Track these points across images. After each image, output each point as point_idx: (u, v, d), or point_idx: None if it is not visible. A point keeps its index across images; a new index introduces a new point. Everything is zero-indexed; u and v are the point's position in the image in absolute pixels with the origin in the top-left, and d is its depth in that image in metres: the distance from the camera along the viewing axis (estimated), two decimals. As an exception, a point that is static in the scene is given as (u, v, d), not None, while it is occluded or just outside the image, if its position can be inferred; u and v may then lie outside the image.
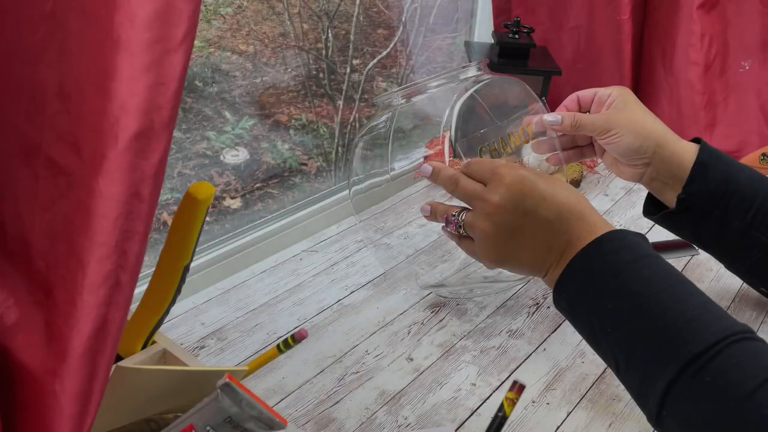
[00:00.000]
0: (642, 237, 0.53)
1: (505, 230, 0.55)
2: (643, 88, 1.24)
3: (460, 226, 0.59)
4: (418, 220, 0.95)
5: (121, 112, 0.32)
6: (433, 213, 0.63)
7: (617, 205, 1.03)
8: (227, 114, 0.93)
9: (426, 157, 1.04)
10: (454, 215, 0.60)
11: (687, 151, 0.67)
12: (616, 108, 0.69)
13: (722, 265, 0.71)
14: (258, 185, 0.99)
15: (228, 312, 0.77)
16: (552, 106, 1.37)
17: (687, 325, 0.46)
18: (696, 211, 0.67)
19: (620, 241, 0.52)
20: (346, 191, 1.00)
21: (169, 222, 0.64)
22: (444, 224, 0.61)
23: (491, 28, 1.25)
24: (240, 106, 0.95)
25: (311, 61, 1.04)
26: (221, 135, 0.93)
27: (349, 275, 0.84)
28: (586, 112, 0.73)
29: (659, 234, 0.94)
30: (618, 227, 0.54)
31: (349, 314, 0.77)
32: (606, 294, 0.50)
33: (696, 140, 0.69)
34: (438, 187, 0.62)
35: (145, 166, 0.33)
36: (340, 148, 1.12)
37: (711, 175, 0.66)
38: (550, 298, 0.80)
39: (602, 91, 0.71)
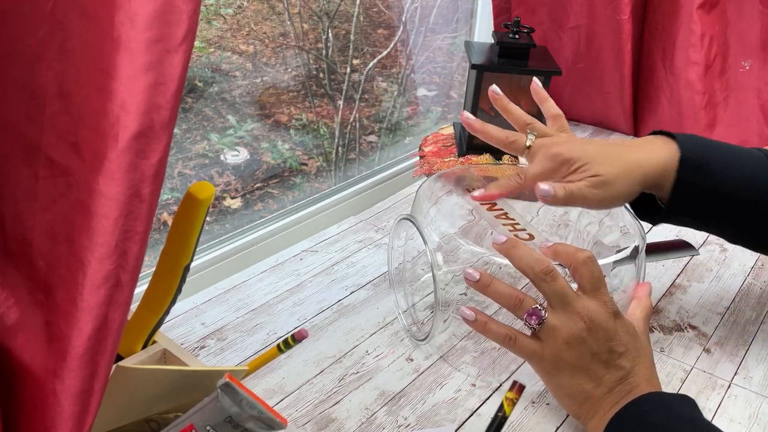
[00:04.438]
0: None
1: (587, 354, 0.56)
2: (643, 88, 1.24)
3: (541, 323, 0.56)
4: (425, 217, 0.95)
5: (121, 111, 0.32)
6: (485, 326, 0.60)
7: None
8: (230, 117, 0.93)
9: (422, 157, 1.04)
10: (541, 308, 0.57)
11: (664, 171, 0.64)
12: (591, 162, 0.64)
13: (722, 266, 0.71)
14: (258, 185, 0.99)
15: (228, 312, 0.77)
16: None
17: None
18: (686, 218, 0.67)
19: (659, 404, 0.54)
20: (346, 191, 1.00)
21: (170, 222, 0.64)
22: (524, 314, 0.57)
23: (491, 28, 1.26)
24: (240, 106, 0.95)
25: (311, 61, 1.05)
26: (223, 137, 0.93)
27: (349, 275, 0.84)
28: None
29: (659, 234, 0.94)
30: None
31: (349, 314, 0.77)
32: None
33: (657, 133, 0.67)
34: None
35: (145, 165, 0.33)
36: (340, 148, 1.13)
37: (693, 200, 0.65)
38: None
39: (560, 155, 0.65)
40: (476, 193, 0.69)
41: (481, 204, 0.71)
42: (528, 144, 0.68)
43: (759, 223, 0.66)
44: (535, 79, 0.74)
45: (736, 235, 0.70)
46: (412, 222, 0.69)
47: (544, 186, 0.63)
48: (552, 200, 0.63)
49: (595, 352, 0.56)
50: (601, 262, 0.59)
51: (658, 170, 0.64)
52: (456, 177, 0.79)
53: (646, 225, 0.94)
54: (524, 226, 0.68)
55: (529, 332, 0.58)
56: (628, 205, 0.70)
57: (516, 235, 0.66)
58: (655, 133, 0.68)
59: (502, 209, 0.71)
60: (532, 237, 0.66)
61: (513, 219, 0.69)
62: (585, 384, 0.56)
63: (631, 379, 0.56)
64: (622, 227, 0.72)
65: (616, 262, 0.64)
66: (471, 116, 0.70)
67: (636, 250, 0.65)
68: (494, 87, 0.72)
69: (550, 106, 0.73)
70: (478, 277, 0.60)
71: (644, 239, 0.66)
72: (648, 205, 0.69)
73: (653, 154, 0.64)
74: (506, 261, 0.59)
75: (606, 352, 0.56)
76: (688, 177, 0.63)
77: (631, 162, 0.64)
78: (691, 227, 0.69)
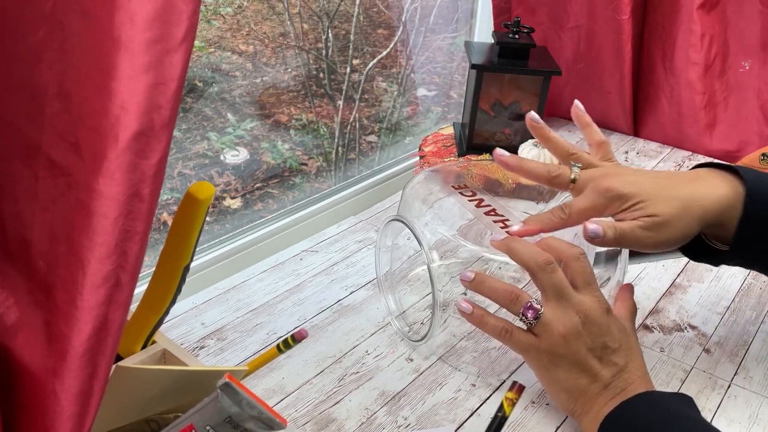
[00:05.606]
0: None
1: (583, 349, 0.56)
2: (643, 88, 1.24)
3: (537, 318, 0.57)
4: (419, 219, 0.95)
5: (121, 111, 0.32)
6: (482, 319, 0.60)
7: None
8: (229, 115, 0.93)
9: (422, 157, 1.04)
10: (537, 303, 0.57)
11: (726, 208, 0.59)
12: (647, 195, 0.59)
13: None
14: (258, 185, 0.99)
15: (228, 312, 0.77)
16: (550, 107, 1.38)
17: None
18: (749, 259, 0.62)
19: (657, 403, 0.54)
20: (346, 191, 1.01)
21: (169, 222, 0.64)
22: (520, 309, 0.57)
23: (491, 28, 1.26)
24: (240, 106, 0.95)
25: (311, 61, 1.05)
26: (223, 136, 0.93)
27: (349, 275, 0.84)
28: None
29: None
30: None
31: (349, 314, 0.77)
32: None
33: (708, 165, 0.62)
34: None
35: (145, 165, 0.33)
36: (340, 148, 1.13)
37: (761, 236, 0.59)
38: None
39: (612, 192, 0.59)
40: (514, 228, 0.62)
41: (469, 201, 0.71)
42: (573, 177, 0.62)
43: None
44: (576, 102, 0.68)
45: None
46: (403, 223, 0.69)
47: (592, 226, 0.57)
48: (600, 241, 0.58)
49: (591, 346, 0.56)
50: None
51: (720, 207, 0.58)
52: (444, 175, 0.79)
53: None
54: (513, 222, 0.68)
55: (524, 328, 0.59)
56: None
57: (508, 232, 0.66)
58: (702, 165, 0.63)
59: (490, 205, 0.71)
60: None
61: (502, 215, 0.69)
62: (581, 379, 0.57)
63: (626, 376, 0.56)
64: None
65: (598, 258, 0.64)
66: (505, 152, 0.64)
67: (617, 251, 0.65)
68: (533, 114, 0.66)
69: (593, 132, 0.67)
70: (472, 276, 0.60)
71: None
72: (700, 246, 0.64)
73: (714, 190, 0.59)
74: (506, 258, 0.59)
75: (600, 347, 0.56)
76: (756, 212, 0.58)
77: (690, 199, 0.58)
78: (748, 267, 0.65)
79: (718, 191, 0.59)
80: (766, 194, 0.58)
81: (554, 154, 0.67)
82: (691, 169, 0.64)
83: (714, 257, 0.63)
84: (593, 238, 0.57)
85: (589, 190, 0.60)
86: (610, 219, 0.60)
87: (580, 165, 0.63)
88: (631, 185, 0.59)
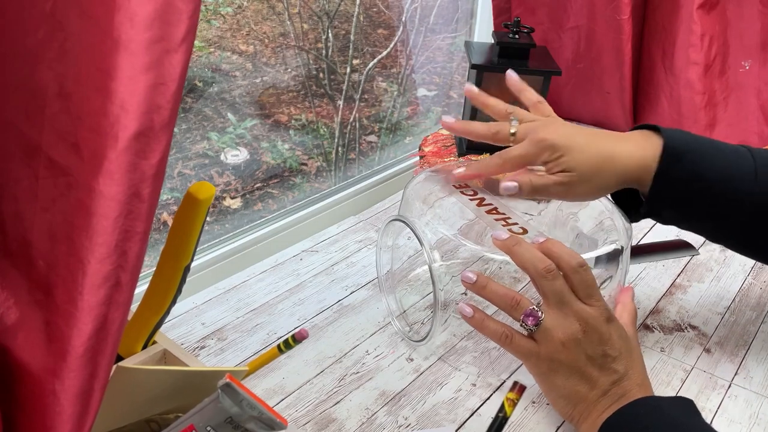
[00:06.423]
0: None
1: (582, 357, 0.56)
2: (643, 88, 1.24)
3: (537, 325, 0.57)
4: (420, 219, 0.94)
5: (120, 111, 0.32)
6: (482, 323, 0.60)
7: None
8: (229, 115, 0.93)
9: (422, 157, 1.04)
10: (538, 310, 0.57)
11: (646, 165, 0.62)
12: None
13: (722, 266, 0.71)
14: (258, 185, 0.99)
15: (228, 312, 0.77)
16: (550, 107, 1.37)
17: None
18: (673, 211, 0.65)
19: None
20: (346, 191, 1.00)
21: (170, 222, 0.64)
22: (520, 315, 0.57)
23: (491, 28, 1.26)
24: (240, 106, 0.95)
25: (311, 61, 1.04)
26: (223, 136, 0.93)
27: (349, 275, 0.84)
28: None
29: (659, 234, 0.94)
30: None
31: (350, 314, 0.77)
32: None
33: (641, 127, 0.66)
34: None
35: (145, 166, 0.33)
36: (340, 148, 1.13)
37: (673, 190, 0.62)
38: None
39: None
40: (458, 171, 0.69)
41: (470, 200, 0.71)
42: (512, 131, 0.66)
43: (737, 219, 0.63)
44: (509, 71, 0.72)
45: (715, 232, 0.67)
46: (405, 222, 0.69)
47: (508, 183, 0.63)
48: (516, 195, 0.64)
49: (590, 355, 0.56)
50: (585, 256, 0.59)
51: (639, 165, 0.62)
52: (444, 175, 0.78)
53: (647, 224, 0.94)
54: (516, 220, 0.68)
55: (525, 333, 0.58)
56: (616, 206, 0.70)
57: (510, 230, 0.66)
58: (643, 126, 0.67)
59: (491, 204, 0.71)
60: (525, 231, 0.66)
61: (503, 213, 0.69)
62: (579, 386, 0.57)
63: (625, 383, 0.56)
64: (608, 225, 0.71)
65: (599, 259, 0.64)
66: (450, 118, 0.69)
67: (618, 251, 0.65)
68: (469, 85, 0.71)
69: (529, 95, 0.71)
70: (474, 278, 0.60)
71: (629, 239, 0.66)
72: (636, 204, 0.68)
73: (637, 150, 0.63)
74: (506, 258, 0.59)
75: (600, 356, 0.56)
76: (668, 167, 0.62)
77: (609, 156, 0.63)
78: (674, 224, 0.67)
79: (640, 151, 0.63)
80: (682, 152, 0.62)
81: (495, 116, 0.70)
82: (631, 129, 0.68)
83: (632, 213, 0.67)
84: (509, 192, 0.63)
85: (526, 140, 0.65)
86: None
87: (518, 119, 0.67)
88: (563, 137, 0.63)
